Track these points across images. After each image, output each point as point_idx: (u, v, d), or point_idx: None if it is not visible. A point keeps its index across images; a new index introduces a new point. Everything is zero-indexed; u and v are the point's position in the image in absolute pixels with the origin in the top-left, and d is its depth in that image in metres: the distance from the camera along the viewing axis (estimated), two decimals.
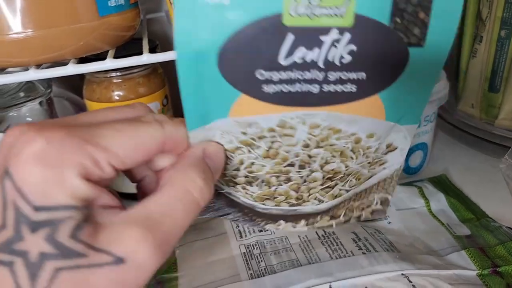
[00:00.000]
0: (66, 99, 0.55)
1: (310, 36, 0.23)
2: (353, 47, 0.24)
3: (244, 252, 0.37)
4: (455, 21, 0.24)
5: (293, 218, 0.32)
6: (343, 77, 0.25)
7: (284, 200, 0.30)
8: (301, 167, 0.28)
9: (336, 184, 0.30)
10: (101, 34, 0.36)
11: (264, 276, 0.35)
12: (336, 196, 0.31)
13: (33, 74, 0.34)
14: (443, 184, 0.48)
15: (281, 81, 0.24)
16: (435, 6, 0.23)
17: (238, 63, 0.24)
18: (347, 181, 0.30)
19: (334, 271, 0.34)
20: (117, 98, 0.46)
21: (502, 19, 0.48)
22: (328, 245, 0.37)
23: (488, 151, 0.53)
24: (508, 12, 0.48)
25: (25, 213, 0.20)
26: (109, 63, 0.34)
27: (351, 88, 0.25)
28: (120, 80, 0.46)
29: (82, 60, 0.37)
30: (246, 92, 0.25)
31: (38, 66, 0.35)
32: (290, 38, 0.23)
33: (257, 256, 0.37)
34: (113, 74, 0.45)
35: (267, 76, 0.24)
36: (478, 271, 0.35)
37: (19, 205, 0.20)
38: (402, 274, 0.34)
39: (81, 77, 0.53)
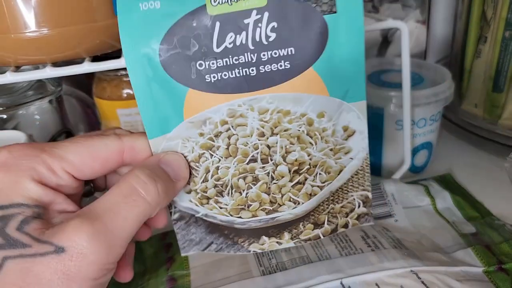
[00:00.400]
0: (74, 97, 0.55)
1: (234, 21, 0.26)
2: (274, 24, 0.26)
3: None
4: None
5: (275, 231, 0.32)
6: (274, 55, 0.27)
7: (259, 207, 0.30)
8: (264, 160, 0.29)
9: (305, 179, 0.30)
10: (117, 33, 0.36)
11: (276, 272, 0.35)
12: (311, 195, 0.31)
13: (50, 72, 0.34)
14: (448, 182, 0.49)
15: (219, 69, 0.26)
16: None
17: (178, 59, 0.26)
18: (316, 174, 0.31)
19: (345, 268, 0.35)
20: (125, 96, 0.47)
21: (507, 20, 0.49)
22: (338, 242, 0.38)
23: (492, 150, 0.54)
24: None
25: None
26: (124, 61, 0.35)
27: (284, 65, 0.27)
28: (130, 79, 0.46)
29: (94, 59, 0.38)
30: (192, 85, 0.27)
31: (54, 64, 0.35)
32: (217, 26, 0.26)
33: (268, 253, 0.37)
34: (123, 72, 0.46)
35: (205, 65, 0.26)
36: (484, 268, 0.36)
37: None
38: (411, 271, 0.34)
39: (88, 75, 0.54)
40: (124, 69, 0.45)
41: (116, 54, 0.38)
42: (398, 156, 0.50)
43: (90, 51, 0.36)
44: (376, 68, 0.54)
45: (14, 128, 0.46)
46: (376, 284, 0.33)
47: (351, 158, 0.31)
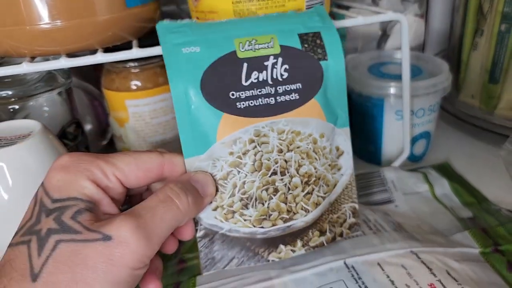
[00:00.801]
0: (81, 89, 0.56)
1: (257, 63, 0.34)
2: (286, 66, 0.34)
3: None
4: (339, 47, 0.36)
5: (290, 238, 0.36)
6: (287, 88, 0.34)
7: (278, 216, 0.35)
8: (282, 173, 0.35)
9: (313, 189, 0.36)
10: (128, 25, 0.38)
11: None
12: (317, 204, 0.36)
13: (64, 62, 0.36)
14: (446, 170, 0.51)
15: (247, 98, 0.34)
16: (324, 37, 0.36)
17: (215, 89, 0.33)
18: (320, 186, 0.36)
19: (348, 249, 0.36)
20: (134, 87, 0.48)
21: (503, 14, 0.51)
22: None
23: (488, 140, 0.56)
24: (509, 7, 0.50)
25: (46, 204, 0.27)
26: (135, 52, 0.36)
27: (295, 96, 0.35)
28: (138, 70, 0.48)
29: (105, 50, 0.39)
30: (226, 110, 0.33)
31: (68, 55, 0.37)
32: (245, 66, 0.33)
33: None
34: (132, 64, 0.47)
35: (237, 95, 0.33)
36: (481, 249, 0.37)
37: (43, 200, 0.27)
38: (411, 251, 0.36)
39: (96, 68, 0.55)
40: (133, 60, 0.47)
41: (126, 45, 0.39)
42: (398, 145, 0.51)
43: (102, 43, 0.37)
44: (376, 61, 0.56)
45: (24, 118, 0.47)
46: (378, 264, 0.35)
47: (342, 174, 0.38)
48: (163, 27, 0.34)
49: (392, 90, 0.48)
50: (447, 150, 0.56)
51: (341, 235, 0.37)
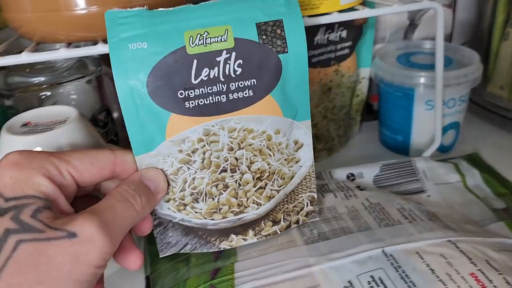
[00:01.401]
0: (108, 77, 0.56)
1: (208, 59, 0.32)
2: (240, 61, 0.32)
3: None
4: (302, 36, 0.33)
5: (241, 229, 0.37)
6: (240, 85, 0.33)
7: (229, 210, 0.35)
8: (232, 170, 0.35)
9: (266, 184, 0.36)
10: None
11: (318, 242, 0.37)
12: (270, 198, 0.36)
13: (101, 48, 0.36)
14: (476, 161, 0.50)
15: (196, 97, 0.32)
16: (286, 26, 0.32)
17: (163, 89, 0.31)
18: (275, 180, 0.36)
19: (385, 237, 0.36)
20: None
21: None
22: (376, 214, 0.39)
23: None
24: None
25: None
26: None
27: (248, 92, 0.33)
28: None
29: None
30: (174, 110, 0.32)
31: (104, 41, 0.37)
32: (195, 63, 0.31)
33: (309, 224, 0.39)
34: None
35: (185, 94, 0.32)
36: None
37: None
38: (449, 241, 0.36)
39: None
40: None
41: None
42: (427, 135, 0.51)
43: None
44: (404, 51, 0.56)
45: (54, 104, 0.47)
46: (417, 253, 0.35)
47: (300, 166, 0.37)
48: (111, 16, 0.31)
49: (423, 80, 0.48)
50: (475, 141, 0.55)
51: (297, 222, 0.38)
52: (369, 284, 0.32)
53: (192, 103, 0.32)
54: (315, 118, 0.50)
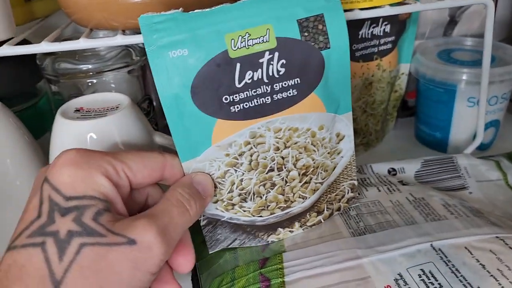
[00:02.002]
0: (148, 66, 0.57)
1: (251, 62, 0.31)
2: (283, 61, 0.32)
3: (341, 213, 0.39)
4: (344, 29, 0.32)
5: (288, 222, 0.37)
6: (284, 85, 0.32)
7: (276, 206, 0.36)
8: (279, 169, 0.35)
9: (311, 178, 0.36)
10: None
11: (365, 234, 0.37)
12: (315, 190, 0.37)
13: None
14: None
15: (241, 100, 0.32)
16: (327, 20, 0.32)
17: (207, 95, 0.31)
18: (318, 174, 0.36)
19: (432, 232, 0.36)
20: None
21: None
22: (421, 209, 0.39)
23: None
24: None
25: (58, 202, 0.25)
26: None
27: (292, 92, 0.33)
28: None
29: None
30: (220, 116, 0.32)
31: None
32: (238, 66, 0.31)
33: (354, 217, 0.39)
34: None
35: (230, 99, 0.31)
36: None
37: (53, 198, 0.25)
38: (497, 237, 0.35)
39: None
40: None
41: None
42: (466, 132, 0.51)
43: None
44: (443, 47, 0.55)
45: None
46: (466, 248, 0.35)
47: (342, 156, 0.38)
48: (146, 22, 0.30)
49: (466, 76, 0.48)
50: None
51: (338, 209, 0.39)
52: (420, 277, 0.32)
53: (237, 107, 0.32)
54: (355, 113, 0.50)
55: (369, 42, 0.48)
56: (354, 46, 0.47)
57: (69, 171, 0.26)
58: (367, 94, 0.50)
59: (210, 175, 0.33)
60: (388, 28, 0.48)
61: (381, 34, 0.48)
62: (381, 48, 0.49)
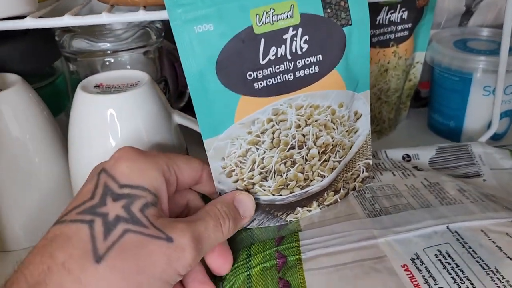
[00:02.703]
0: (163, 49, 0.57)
1: (275, 37, 0.31)
2: (306, 37, 0.31)
3: (356, 195, 0.40)
4: (365, 5, 0.33)
5: (306, 201, 0.37)
6: (306, 62, 0.32)
7: (296, 185, 0.36)
8: (300, 147, 0.35)
9: (329, 157, 0.36)
10: None
11: (381, 215, 0.37)
12: (333, 169, 0.37)
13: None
14: None
15: (265, 77, 0.32)
16: None
17: (231, 71, 0.31)
18: (337, 152, 0.37)
19: (448, 215, 0.36)
20: None
21: None
22: (436, 193, 0.39)
23: None
24: None
25: (112, 188, 0.27)
26: None
27: (315, 69, 0.33)
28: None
29: None
30: (243, 92, 0.32)
31: None
32: (262, 42, 0.31)
33: (369, 199, 0.39)
34: None
35: (254, 75, 0.31)
36: None
37: (108, 184, 0.27)
38: None
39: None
40: None
41: None
42: (481, 122, 0.51)
43: None
44: (459, 37, 0.55)
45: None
46: (482, 231, 0.35)
47: (358, 135, 0.38)
48: None
49: (482, 65, 0.48)
50: None
51: (354, 188, 0.39)
52: (436, 257, 0.33)
53: (261, 84, 0.32)
54: (370, 100, 0.50)
55: (386, 28, 0.48)
56: (372, 32, 0.47)
57: (127, 163, 0.28)
58: (382, 81, 0.50)
59: (232, 153, 0.33)
60: (405, 15, 0.48)
61: (398, 20, 0.48)
62: (398, 34, 0.49)
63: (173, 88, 0.59)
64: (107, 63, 0.47)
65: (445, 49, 0.50)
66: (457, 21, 0.58)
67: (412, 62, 0.54)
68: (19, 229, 0.41)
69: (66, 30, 0.45)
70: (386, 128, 0.54)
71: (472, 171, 0.45)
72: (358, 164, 0.39)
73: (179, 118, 0.39)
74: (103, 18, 0.35)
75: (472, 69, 0.48)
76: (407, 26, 0.49)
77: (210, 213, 0.30)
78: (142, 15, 0.36)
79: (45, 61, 0.47)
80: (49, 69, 0.49)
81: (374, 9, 0.46)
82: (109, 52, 0.46)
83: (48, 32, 0.45)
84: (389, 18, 0.48)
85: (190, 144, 0.44)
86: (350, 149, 0.38)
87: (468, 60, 0.48)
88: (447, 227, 0.35)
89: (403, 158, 0.46)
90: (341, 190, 0.39)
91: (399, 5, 0.47)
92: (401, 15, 0.48)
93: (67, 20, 0.35)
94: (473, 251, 0.33)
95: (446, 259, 0.32)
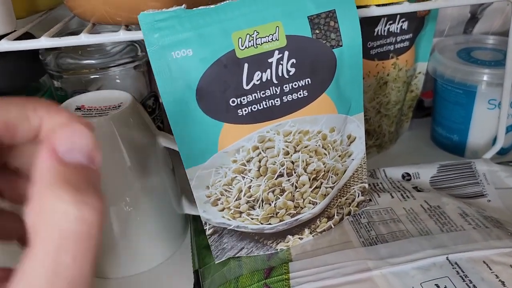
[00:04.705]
0: None
1: (260, 61, 0.29)
2: (293, 60, 0.30)
3: (351, 221, 0.38)
4: (357, 25, 0.31)
5: (298, 229, 0.35)
6: (294, 86, 0.30)
7: (285, 213, 0.34)
8: (289, 174, 0.33)
9: (321, 183, 0.34)
10: None
11: (377, 244, 0.35)
12: (325, 195, 0.35)
13: None
14: None
15: (249, 103, 0.30)
16: (339, 17, 0.30)
17: (213, 98, 0.29)
18: (329, 178, 0.35)
19: (449, 244, 0.34)
20: None
21: None
22: (436, 218, 0.37)
23: None
24: None
25: None
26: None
27: (303, 93, 0.31)
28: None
29: None
30: (227, 120, 0.30)
31: None
32: (246, 67, 0.29)
33: (365, 225, 0.37)
34: None
35: (238, 102, 0.29)
36: None
37: None
38: None
39: None
40: None
41: None
42: (486, 136, 0.48)
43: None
44: (463, 46, 0.53)
45: (98, 89, 0.46)
46: (484, 262, 0.33)
47: (352, 159, 0.36)
48: (146, 20, 0.27)
49: (487, 77, 0.45)
50: None
51: (349, 213, 0.38)
52: None
53: (245, 110, 0.30)
54: (368, 113, 0.48)
55: (385, 40, 0.46)
56: (369, 44, 0.45)
57: None
58: (382, 94, 0.48)
59: (216, 182, 0.31)
60: (405, 25, 0.46)
61: (398, 31, 0.46)
62: (398, 46, 0.47)
63: None
64: (94, 79, 0.45)
65: (448, 60, 0.48)
66: (461, 28, 0.55)
67: (414, 73, 0.51)
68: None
69: (51, 48, 0.43)
70: (386, 141, 0.52)
71: (476, 191, 0.43)
72: (353, 188, 0.37)
73: (165, 141, 0.38)
74: (81, 39, 0.34)
75: (477, 82, 0.46)
76: (407, 36, 0.47)
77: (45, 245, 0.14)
78: (123, 35, 0.34)
79: (29, 78, 0.45)
80: (36, 85, 0.48)
81: (372, 21, 0.44)
82: (95, 68, 0.44)
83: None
84: (388, 29, 0.45)
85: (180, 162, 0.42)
86: (343, 174, 0.36)
87: (472, 72, 0.46)
88: (447, 258, 0.33)
89: (403, 177, 0.44)
90: (335, 216, 0.37)
91: (398, 16, 0.45)
92: (401, 26, 0.46)
93: (43, 42, 0.34)
94: (474, 286, 0.31)
95: None
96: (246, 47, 0.29)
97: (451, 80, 0.47)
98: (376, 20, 0.44)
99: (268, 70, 0.29)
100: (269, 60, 0.29)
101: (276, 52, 0.29)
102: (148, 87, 0.49)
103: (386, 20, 0.45)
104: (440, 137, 0.52)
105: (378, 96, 0.48)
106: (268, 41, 0.29)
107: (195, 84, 0.28)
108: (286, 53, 0.29)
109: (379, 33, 0.45)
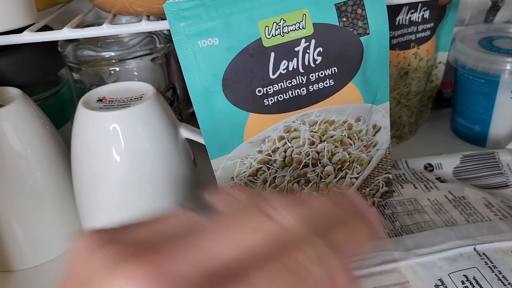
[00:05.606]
0: (171, 54, 0.55)
1: (286, 50, 0.29)
2: (320, 49, 0.29)
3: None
4: (384, 13, 0.31)
5: None
6: (320, 75, 0.30)
7: None
8: (314, 164, 0.33)
9: (346, 174, 0.34)
10: None
11: (402, 235, 0.35)
12: (350, 186, 0.35)
13: None
14: None
15: (275, 93, 0.29)
16: (366, 4, 0.30)
17: (239, 88, 0.28)
18: (354, 168, 0.35)
19: (475, 234, 0.34)
20: None
21: None
22: (462, 209, 0.37)
23: None
24: None
25: None
26: None
27: (329, 82, 0.31)
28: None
29: None
30: (253, 110, 0.29)
31: None
32: (272, 56, 0.29)
33: (389, 216, 0.37)
34: None
35: (264, 91, 0.29)
36: None
37: None
38: None
39: None
40: None
41: None
42: (509, 126, 0.48)
43: None
44: (484, 35, 0.52)
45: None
46: None
47: (377, 149, 0.36)
48: (172, 8, 0.27)
49: (510, 66, 0.45)
50: None
51: (372, 204, 0.37)
52: (463, 284, 0.30)
53: (271, 100, 0.30)
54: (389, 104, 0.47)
55: (406, 29, 0.45)
56: (391, 33, 0.44)
57: None
58: (402, 84, 0.48)
59: (241, 173, 0.31)
60: (427, 14, 0.45)
61: (420, 20, 0.45)
62: (419, 35, 0.46)
63: (182, 93, 0.57)
64: (112, 71, 0.45)
65: (469, 49, 0.47)
66: (482, 17, 0.54)
67: (434, 63, 0.51)
68: (22, 246, 0.39)
69: (69, 40, 0.43)
70: (406, 132, 0.52)
71: (500, 181, 0.42)
72: (377, 179, 0.36)
73: (186, 132, 0.37)
74: (103, 30, 0.34)
75: (500, 71, 0.45)
76: (428, 25, 0.46)
77: None
78: (145, 25, 0.34)
79: (48, 71, 0.45)
80: (54, 78, 0.47)
81: (393, 10, 0.43)
82: (114, 60, 0.44)
83: (51, 41, 0.44)
84: (410, 18, 0.45)
85: (200, 154, 0.42)
86: (368, 164, 0.35)
87: (495, 61, 0.45)
88: (474, 249, 0.33)
89: (425, 167, 0.44)
90: None
91: (420, 4, 0.44)
92: (423, 15, 0.45)
93: (66, 33, 0.34)
94: (503, 277, 0.30)
95: (473, 286, 0.30)
96: (272, 35, 0.28)
97: (473, 69, 0.46)
98: (398, 9, 0.44)
99: (295, 59, 0.29)
100: (296, 49, 0.29)
101: (303, 40, 0.29)
102: (166, 79, 0.48)
103: (408, 9, 0.44)
104: (461, 128, 0.51)
105: (399, 86, 0.47)
106: (295, 29, 0.29)
107: (221, 74, 0.28)
108: (313, 41, 0.29)
109: (401, 22, 0.44)
